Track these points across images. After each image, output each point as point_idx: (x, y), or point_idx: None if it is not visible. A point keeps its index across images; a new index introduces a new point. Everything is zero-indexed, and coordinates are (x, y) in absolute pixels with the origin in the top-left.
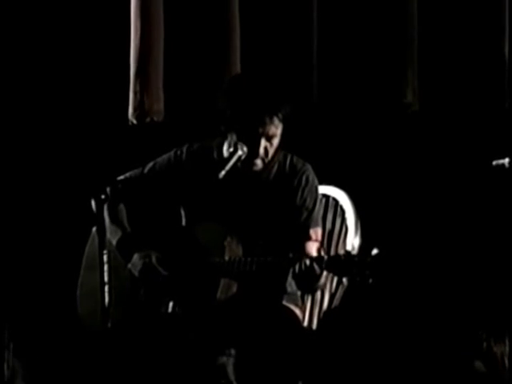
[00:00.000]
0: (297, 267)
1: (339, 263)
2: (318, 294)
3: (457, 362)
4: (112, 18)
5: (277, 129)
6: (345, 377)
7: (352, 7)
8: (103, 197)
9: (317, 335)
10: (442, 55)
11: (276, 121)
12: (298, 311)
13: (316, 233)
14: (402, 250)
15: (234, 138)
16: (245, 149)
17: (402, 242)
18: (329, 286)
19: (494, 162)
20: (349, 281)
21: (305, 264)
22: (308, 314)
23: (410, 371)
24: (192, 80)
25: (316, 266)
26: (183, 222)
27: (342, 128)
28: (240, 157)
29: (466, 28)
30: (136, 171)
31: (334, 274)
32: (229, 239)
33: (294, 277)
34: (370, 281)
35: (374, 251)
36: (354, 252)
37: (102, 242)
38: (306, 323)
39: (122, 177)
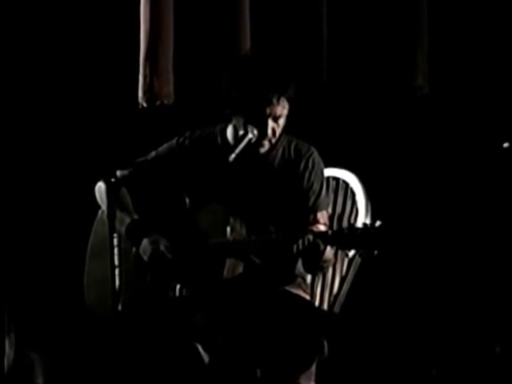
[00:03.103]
0: (300, 243)
1: (343, 237)
2: (329, 277)
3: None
4: (122, 1)
5: (284, 109)
6: (354, 363)
7: None
8: (113, 180)
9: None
10: (451, 37)
11: (283, 101)
12: (307, 297)
13: (323, 216)
14: (409, 226)
15: (241, 120)
16: (255, 132)
17: (412, 223)
18: (339, 269)
19: (505, 145)
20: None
21: (308, 240)
22: (318, 297)
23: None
24: (202, 62)
25: (319, 241)
26: (187, 206)
27: (351, 110)
28: (250, 140)
29: (476, 10)
30: (138, 161)
31: (339, 248)
32: (232, 221)
33: (299, 254)
34: (375, 252)
35: (378, 223)
36: (358, 225)
37: (112, 225)
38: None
39: (120, 172)
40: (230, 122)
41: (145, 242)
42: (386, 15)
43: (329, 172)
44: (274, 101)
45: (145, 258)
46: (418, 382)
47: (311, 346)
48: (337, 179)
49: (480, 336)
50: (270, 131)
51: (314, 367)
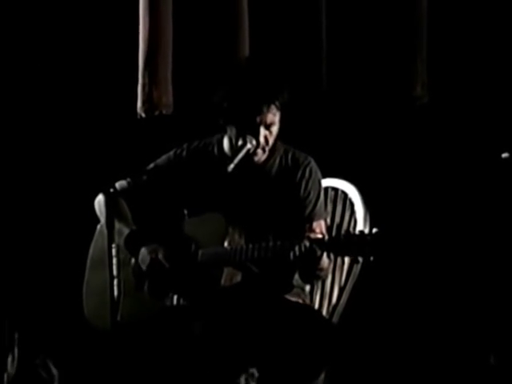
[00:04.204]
0: (296, 249)
1: (339, 243)
2: (328, 287)
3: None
4: (120, 11)
5: (275, 116)
6: (358, 370)
7: None
8: (112, 191)
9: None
10: (451, 47)
11: (273, 109)
12: None
13: (320, 226)
14: (407, 235)
15: (234, 130)
16: (254, 142)
17: (410, 234)
18: (338, 279)
19: (504, 155)
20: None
21: (304, 246)
22: (317, 307)
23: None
24: (201, 72)
25: (316, 247)
26: (186, 217)
27: (351, 120)
28: (249, 150)
29: (476, 19)
30: (137, 172)
31: (335, 255)
32: (230, 231)
33: (295, 260)
34: (371, 258)
35: (374, 229)
36: (354, 232)
37: (111, 236)
38: None
39: (118, 183)
40: (225, 132)
41: (143, 250)
42: (385, 24)
43: (328, 182)
44: (264, 109)
45: (143, 267)
46: None
47: (319, 356)
48: (336, 189)
49: (475, 345)
50: (262, 139)
51: (322, 376)
